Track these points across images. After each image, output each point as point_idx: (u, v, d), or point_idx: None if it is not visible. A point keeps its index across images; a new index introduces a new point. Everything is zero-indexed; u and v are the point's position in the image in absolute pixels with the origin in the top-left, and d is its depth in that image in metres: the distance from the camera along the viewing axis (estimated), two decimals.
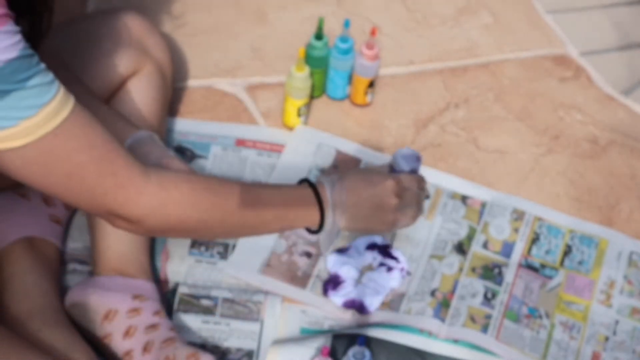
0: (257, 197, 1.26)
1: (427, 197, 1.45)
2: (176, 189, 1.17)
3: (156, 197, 1.15)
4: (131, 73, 1.45)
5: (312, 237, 1.48)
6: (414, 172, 1.42)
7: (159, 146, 1.38)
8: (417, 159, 1.43)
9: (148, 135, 1.37)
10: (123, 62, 1.43)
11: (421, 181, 1.42)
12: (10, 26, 0.98)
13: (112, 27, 1.43)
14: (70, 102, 1.05)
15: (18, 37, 0.99)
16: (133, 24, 1.46)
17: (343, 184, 1.34)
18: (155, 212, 1.15)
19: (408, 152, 1.43)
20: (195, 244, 1.51)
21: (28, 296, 1.33)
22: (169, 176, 1.18)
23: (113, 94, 1.44)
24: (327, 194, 1.32)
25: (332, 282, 1.46)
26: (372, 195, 1.35)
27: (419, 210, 1.42)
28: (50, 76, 1.03)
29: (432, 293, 1.46)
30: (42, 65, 1.02)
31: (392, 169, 1.43)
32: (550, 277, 1.52)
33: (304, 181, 1.34)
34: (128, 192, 1.12)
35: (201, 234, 1.34)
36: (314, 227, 1.35)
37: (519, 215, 1.59)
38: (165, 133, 1.58)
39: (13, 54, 0.98)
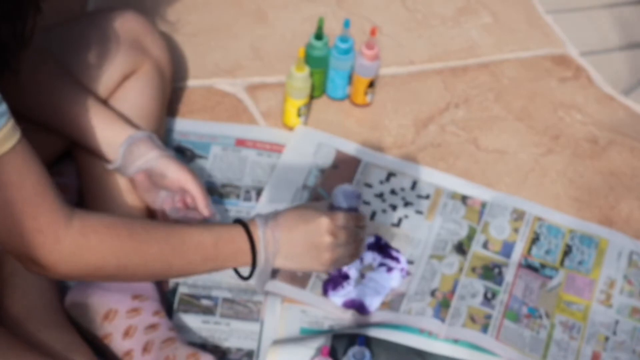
0: (183, 240, 1.22)
1: (365, 238, 1.39)
2: (96, 236, 1.14)
3: (74, 244, 1.12)
4: (130, 72, 1.45)
5: None
6: (353, 209, 1.38)
7: (158, 146, 1.38)
8: (357, 196, 1.38)
9: (147, 135, 1.37)
10: (122, 62, 1.43)
11: (360, 219, 1.36)
12: None
13: (111, 26, 1.43)
14: (16, 136, 1.04)
15: None
16: (131, 24, 1.46)
17: (277, 221, 1.28)
18: (71, 259, 1.12)
19: (348, 189, 1.38)
20: None
21: (27, 296, 1.33)
22: (91, 221, 1.14)
23: (112, 93, 1.44)
24: (259, 232, 1.27)
25: (332, 282, 1.46)
26: (305, 233, 1.29)
27: (357, 248, 1.36)
28: (2, 108, 1.01)
29: (432, 293, 1.46)
30: None
31: (331, 206, 1.39)
32: (550, 277, 1.52)
33: (238, 220, 1.29)
34: (46, 237, 1.10)
35: (123, 279, 1.30)
36: (247, 266, 1.28)
37: (519, 215, 1.59)
38: (164, 131, 1.58)
39: None
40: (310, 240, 1.29)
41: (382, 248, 1.50)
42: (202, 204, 1.37)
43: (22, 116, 1.33)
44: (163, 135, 1.54)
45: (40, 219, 1.09)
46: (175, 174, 1.36)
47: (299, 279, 1.48)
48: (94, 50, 1.41)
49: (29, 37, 1.05)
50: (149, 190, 1.38)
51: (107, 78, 1.42)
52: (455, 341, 1.42)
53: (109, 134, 1.35)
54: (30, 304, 1.32)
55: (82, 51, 1.40)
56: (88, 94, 1.37)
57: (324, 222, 1.30)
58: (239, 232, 1.26)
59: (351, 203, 1.37)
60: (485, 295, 1.47)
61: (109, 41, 1.42)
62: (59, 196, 1.11)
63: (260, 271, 1.28)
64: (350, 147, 1.67)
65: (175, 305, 1.43)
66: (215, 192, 1.58)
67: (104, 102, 1.41)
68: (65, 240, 1.11)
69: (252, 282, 1.30)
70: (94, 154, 1.37)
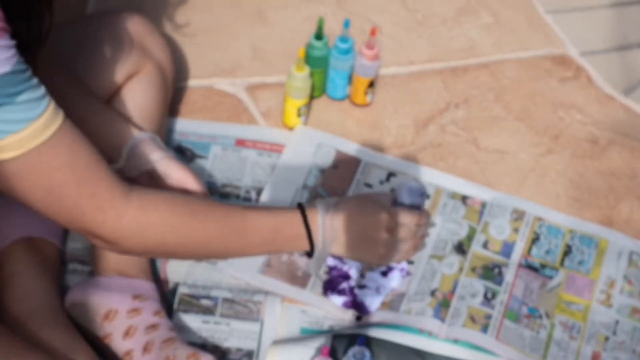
0: (243, 221, 1.25)
1: (427, 234, 1.43)
2: (157, 212, 1.16)
3: (135, 220, 1.14)
4: (132, 73, 1.45)
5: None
6: (416, 206, 1.38)
7: (160, 147, 1.38)
8: (421, 194, 1.38)
9: (149, 136, 1.37)
10: (123, 63, 1.43)
11: (422, 217, 1.39)
12: (5, 40, 0.97)
13: (113, 27, 1.43)
14: (59, 118, 1.05)
15: (12, 51, 0.98)
16: (133, 25, 1.46)
17: (337, 209, 1.32)
18: (133, 235, 1.14)
19: (414, 185, 1.38)
20: None
21: (28, 296, 1.33)
22: (151, 198, 1.16)
23: (114, 94, 1.44)
24: (318, 219, 1.30)
25: (332, 282, 1.46)
26: (364, 225, 1.33)
27: (415, 246, 1.39)
28: (41, 91, 1.02)
29: (432, 293, 1.46)
30: (34, 80, 1.02)
31: (395, 200, 1.39)
32: (550, 277, 1.52)
33: (299, 204, 1.32)
34: (107, 214, 1.11)
35: (182, 256, 1.33)
36: (303, 251, 1.33)
37: (519, 215, 1.59)
38: (165, 133, 1.58)
39: (6, 68, 0.97)
40: (367, 233, 1.33)
41: None
42: None
43: None
44: (164, 136, 1.54)
45: (99, 196, 1.10)
46: (178, 175, 1.36)
47: (299, 279, 1.48)
48: (96, 51, 1.41)
49: (44, 37, 1.06)
50: None
51: (109, 79, 1.42)
52: (455, 341, 1.42)
53: (112, 135, 1.35)
54: (30, 304, 1.32)
55: (84, 52, 1.40)
56: (91, 95, 1.37)
57: (383, 218, 1.33)
58: (298, 218, 1.30)
59: (414, 200, 1.37)
60: (485, 295, 1.47)
61: (111, 42, 1.43)
62: (114, 173, 1.13)
63: (317, 256, 1.32)
64: (350, 147, 1.67)
65: (175, 305, 1.43)
66: (215, 192, 1.58)
67: (107, 103, 1.41)
68: (126, 216, 1.13)
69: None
70: None
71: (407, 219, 1.37)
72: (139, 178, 1.37)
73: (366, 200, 1.37)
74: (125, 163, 1.36)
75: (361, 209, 1.34)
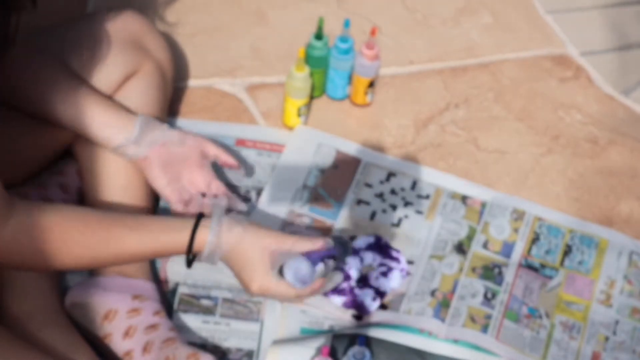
0: (122, 247, 1.21)
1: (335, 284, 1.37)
2: (26, 236, 1.15)
3: (7, 238, 1.13)
4: (131, 73, 1.45)
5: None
6: (302, 282, 1.27)
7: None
8: (304, 282, 1.27)
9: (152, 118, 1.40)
10: (122, 62, 1.43)
11: (304, 291, 1.29)
12: None
13: (112, 26, 1.43)
14: None
15: None
16: (132, 24, 1.46)
17: (236, 236, 1.25)
18: (5, 250, 1.14)
19: (302, 269, 1.26)
20: None
21: (28, 296, 1.33)
22: (30, 220, 1.15)
23: (113, 93, 1.44)
24: (207, 238, 1.24)
25: None
26: (237, 274, 1.28)
27: (312, 291, 1.31)
28: None
29: (432, 293, 1.46)
30: None
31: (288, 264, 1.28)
32: (550, 277, 1.52)
33: (200, 216, 1.26)
34: None
35: (43, 271, 1.33)
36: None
37: (519, 215, 1.59)
38: None
39: None
40: (239, 279, 1.29)
41: (382, 248, 1.50)
42: (227, 157, 1.44)
43: (23, 110, 1.33)
44: None
45: None
46: (193, 138, 1.41)
47: None
48: (94, 50, 1.41)
49: (11, 40, 1.05)
50: (162, 168, 1.38)
51: (108, 78, 1.42)
52: (455, 341, 1.42)
53: (113, 118, 1.36)
54: (31, 304, 1.32)
55: (83, 51, 1.40)
56: (90, 91, 1.37)
57: (253, 287, 1.27)
58: (185, 239, 1.24)
59: (295, 284, 1.27)
60: (485, 295, 1.47)
61: (109, 41, 1.42)
62: (2, 192, 1.12)
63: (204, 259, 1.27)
64: (350, 147, 1.67)
65: (175, 305, 1.43)
66: None
67: None
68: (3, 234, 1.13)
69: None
70: (97, 142, 1.38)
71: (281, 293, 1.28)
72: (151, 153, 1.38)
73: (266, 256, 1.27)
74: (138, 134, 1.36)
75: (246, 260, 1.26)
